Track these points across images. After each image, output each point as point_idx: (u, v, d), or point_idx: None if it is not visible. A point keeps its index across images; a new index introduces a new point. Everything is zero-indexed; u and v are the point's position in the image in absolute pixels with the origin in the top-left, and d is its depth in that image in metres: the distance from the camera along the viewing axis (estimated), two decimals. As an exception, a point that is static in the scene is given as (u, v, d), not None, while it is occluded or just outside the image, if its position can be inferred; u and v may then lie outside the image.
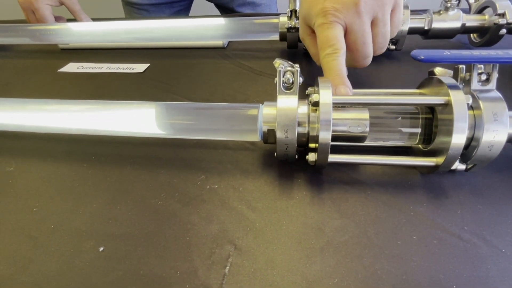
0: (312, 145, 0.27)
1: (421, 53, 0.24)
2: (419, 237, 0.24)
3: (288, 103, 0.26)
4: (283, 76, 0.26)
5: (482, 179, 0.28)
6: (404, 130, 0.28)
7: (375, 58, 0.46)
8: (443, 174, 0.28)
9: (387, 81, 0.43)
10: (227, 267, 0.22)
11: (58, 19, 0.63)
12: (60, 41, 0.56)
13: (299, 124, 0.26)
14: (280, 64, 0.29)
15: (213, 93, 0.42)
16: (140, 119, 0.32)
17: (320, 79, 0.27)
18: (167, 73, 0.48)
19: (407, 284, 0.21)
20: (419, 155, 0.28)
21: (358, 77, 0.44)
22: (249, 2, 0.77)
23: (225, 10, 0.80)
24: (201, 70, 0.48)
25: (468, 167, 0.26)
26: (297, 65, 0.27)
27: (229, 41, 0.55)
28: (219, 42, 0.54)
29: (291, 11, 0.44)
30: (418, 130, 0.28)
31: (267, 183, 0.29)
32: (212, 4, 0.82)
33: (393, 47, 0.45)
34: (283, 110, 0.26)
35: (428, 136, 0.28)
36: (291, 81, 0.26)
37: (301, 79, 0.26)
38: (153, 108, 0.31)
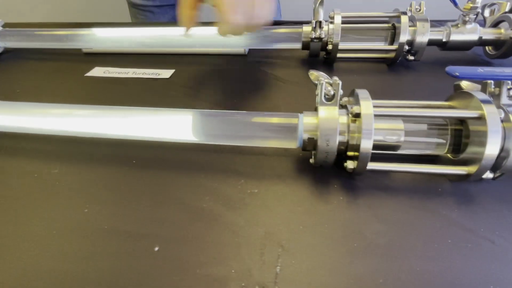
0: (350, 153, 0.28)
1: (456, 70, 0.26)
2: (454, 240, 0.25)
3: (329, 114, 0.28)
4: (325, 88, 0.28)
5: (507, 186, 0.30)
6: (434, 140, 0.30)
7: (394, 69, 0.48)
8: (471, 182, 0.30)
9: (407, 89, 0.45)
10: (278, 267, 0.24)
11: None
12: (85, 46, 0.57)
13: (340, 133, 0.28)
14: (316, 76, 0.31)
15: (242, 100, 0.44)
16: (180, 126, 0.33)
17: (358, 91, 0.29)
18: (193, 80, 0.49)
19: (448, 283, 0.23)
20: (447, 164, 0.30)
21: (380, 86, 0.46)
22: None
23: None
24: (226, 76, 0.50)
25: (495, 176, 0.28)
26: (336, 78, 0.29)
27: (249, 49, 0.57)
28: (240, 49, 0.55)
29: (316, 22, 0.46)
30: (448, 140, 0.30)
31: (304, 188, 0.30)
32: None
33: (412, 57, 0.47)
34: (325, 120, 0.28)
35: (456, 146, 0.29)
36: (332, 93, 0.28)
37: (341, 91, 0.28)
38: (192, 115, 0.33)
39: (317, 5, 0.45)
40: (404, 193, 0.30)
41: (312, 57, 0.51)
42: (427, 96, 0.43)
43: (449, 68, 0.27)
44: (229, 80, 0.49)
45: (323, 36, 0.46)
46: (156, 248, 0.26)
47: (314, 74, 0.31)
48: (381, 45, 0.49)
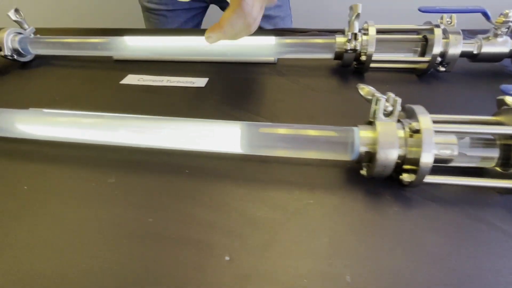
0: (407, 167, 0.30)
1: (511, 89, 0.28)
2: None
3: (388, 129, 0.29)
4: (383, 104, 0.29)
5: (553, 199, 0.31)
6: (484, 154, 0.31)
7: (425, 79, 0.50)
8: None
9: (439, 99, 0.46)
10: (348, 276, 0.25)
11: None
12: (118, 54, 0.58)
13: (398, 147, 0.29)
14: (368, 91, 0.32)
15: (280, 110, 0.45)
16: (231, 137, 0.34)
17: (413, 106, 0.30)
18: (229, 89, 0.50)
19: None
20: (495, 176, 0.31)
21: (412, 96, 0.47)
22: (264, 15, 0.79)
23: None
24: (260, 85, 0.51)
25: (545, 189, 0.29)
26: (392, 94, 0.30)
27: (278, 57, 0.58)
28: (270, 58, 0.56)
29: (352, 33, 0.47)
30: (497, 154, 0.31)
31: (359, 199, 0.32)
32: None
33: (443, 69, 0.49)
34: (385, 135, 0.29)
35: (505, 160, 0.31)
36: (390, 108, 0.29)
37: (399, 108, 0.29)
38: (242, 127, 0.34)
39: (353, 17, 0.46)
40: (455, 204, 0.31)
41: (343, 67, 0.53)
42: (459, 106, 0.44)
43: (504, 87, 0.28)
44: (264, 89, 0.50)
45: (358, 47, 0.47)
46: (227, 258, 0.27)
47: (365, 89, 0.32)
48: (414, 57, 0.50)
